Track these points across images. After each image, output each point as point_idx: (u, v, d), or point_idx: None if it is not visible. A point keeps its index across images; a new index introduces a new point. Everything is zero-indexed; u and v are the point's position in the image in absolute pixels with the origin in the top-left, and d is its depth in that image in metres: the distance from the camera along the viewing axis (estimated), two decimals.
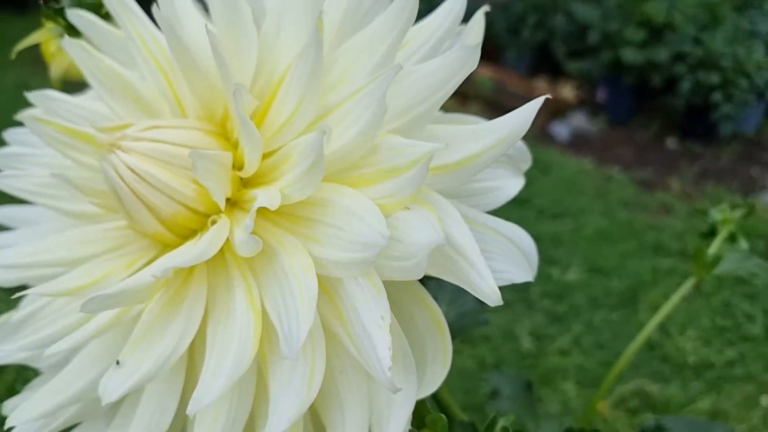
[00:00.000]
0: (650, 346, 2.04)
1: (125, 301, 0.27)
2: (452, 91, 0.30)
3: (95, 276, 0.30)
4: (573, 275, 2.29)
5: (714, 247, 0.59)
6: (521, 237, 0.33)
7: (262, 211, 0.29)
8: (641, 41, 3.08)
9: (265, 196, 0.27)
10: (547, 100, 0.29)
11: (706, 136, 3.14)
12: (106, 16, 0.39)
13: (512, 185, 0.35)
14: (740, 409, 1.85)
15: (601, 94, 3.34)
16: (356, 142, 0.28)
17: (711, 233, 0.62)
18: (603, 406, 2.00)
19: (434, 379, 0.30)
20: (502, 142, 0.29)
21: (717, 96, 3.00)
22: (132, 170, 0.30)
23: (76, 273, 0.31)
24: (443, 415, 0.31)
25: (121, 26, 0.35)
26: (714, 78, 2.98)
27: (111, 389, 0.26)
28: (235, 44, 0.31)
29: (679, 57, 3.07)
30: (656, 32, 3.10)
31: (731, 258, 0.59)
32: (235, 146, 0.32)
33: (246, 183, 0.31)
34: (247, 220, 0.26)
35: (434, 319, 0.31)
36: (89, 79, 0.35)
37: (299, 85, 0.29)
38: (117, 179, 0.30)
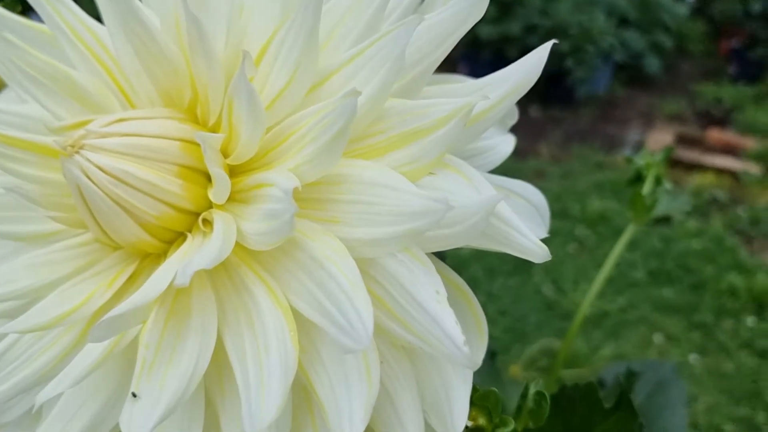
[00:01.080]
0: (548, 305, 2.12)
1: (136, 319, 0.23)
2: (453, 47, 0.28)
3: (76, 301, 0.26)
4: (466, 249, 2.34)
5: (646, 190, 0.61)
6: (533, 193, 0.31)
7: None
8: (495, 17, 3.19)
9: (283, 179, 0.24)
10: None
11: (564, 101, 3.32)
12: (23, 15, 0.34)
13: (506, 142, 0.33)
14: (637, 350, 1.98)
15: (462, 70, 3.43)
16: (367, 106, 0.26)
17: (637, 179, 0.63)
18: (516, 370, 2.07)
19: (477, 354, 0.28)
20: (511, 93, 0.28)
21: (569, 62, 3.17)
22: (105, 171, 0.26)
23: (52, 301, 0.26)
24: (494, 389, 0.29)
25: (46, 20, 0.30)
26: (564, 46, 3.14)
27: (138, 425, 0.22)
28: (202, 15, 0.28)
29: (530, 29, 3.22)
30: (507, 7, 3.23)
31: (662, 200, 0.61)
32: (213, 132, 0.28)
33: (234, 171, 0.28)
34: (278, 205, 0.23)
35: (458, 290, 0.29)
36: (15, 77, 0.30)
37: (294, 51, 0.26)
38: (88, 184, 0.25)
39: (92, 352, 0.25)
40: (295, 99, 0.27)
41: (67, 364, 0.26)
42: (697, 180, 2.77)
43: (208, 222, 0.27)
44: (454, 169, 0.26)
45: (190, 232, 0.27)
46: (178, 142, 0.27)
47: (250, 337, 0.24)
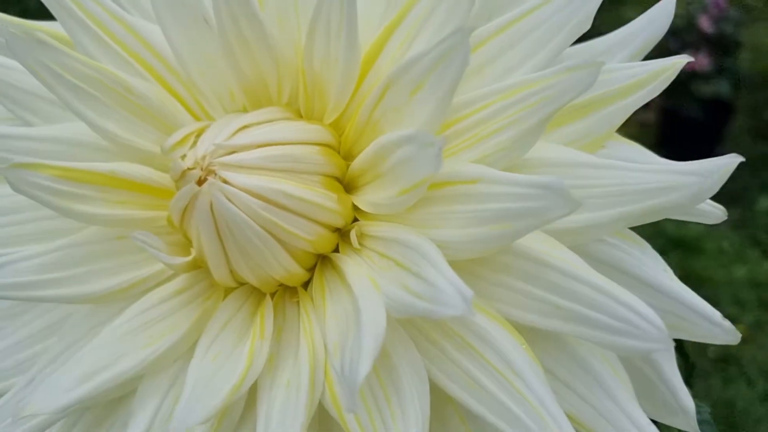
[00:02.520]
0: None
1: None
2: None
3: (239, 368, 0.20)
4: None
5: None
6: None
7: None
8: None
9: (495, 172, 0.20)
10: None
11: None
12: None
13: None
14: None
15: None
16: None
17: None
18: None
19: None
20: (639, 53, 0.26)
21: None
22: (254, 194, 0.20)
23: (205, 376, 0.20)
24: None
25: (80, 33, 0.23)
26: None
27: None
28: None
29: None
30: None
31: None
32: (337, 128, 0.23)
33: None
34: (498, 205, 0.19)
35: None
36: (53, 86, 0.22)
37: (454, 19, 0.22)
38: (236, 213, 0.20)
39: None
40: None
41: None
42: None
43: (365, 235, 0.22)
44: (624, 139, 0.24)
45: (333, 252, 0.23)
46: (316, 147, 0.22)
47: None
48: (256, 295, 0.23)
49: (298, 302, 0.23)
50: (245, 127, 0.21)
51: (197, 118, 0.24)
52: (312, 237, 0.21)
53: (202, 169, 0.20)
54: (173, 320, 0.22)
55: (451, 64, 0.19)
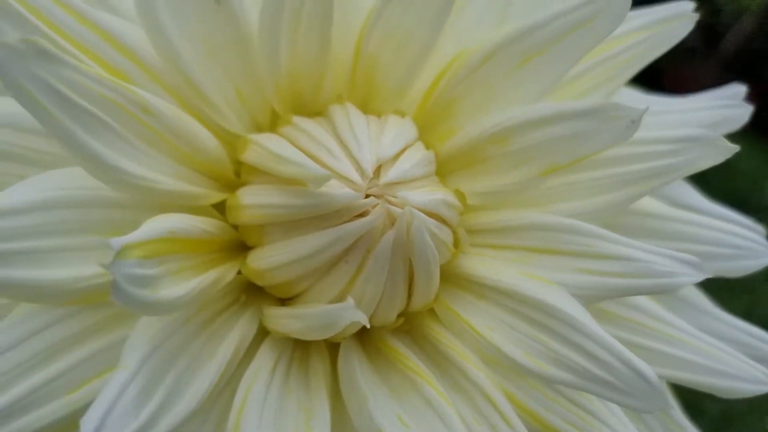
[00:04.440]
0: None
1: None
2: None
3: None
4: None
5: None
6: None
7: None
8: None
9: None
10: None
11: None
12: None
13: None
14: None
15: None
16: None
17: None
18: None
19: None
20: None
21: None
22: (429, 212, 0.16)
23: None
24: None
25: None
26: None
27: None
28: None
29: None
30: None
31: None
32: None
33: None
34: None
35: None
36: (62, 118, 0.14)
37: None
38: (427, 240, 0.16)
39: None
40: None
41: None
42: None
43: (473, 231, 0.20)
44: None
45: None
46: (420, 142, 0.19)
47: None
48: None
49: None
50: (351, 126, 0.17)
51: (220, 137, 0.18)
52: (450, 242, 0.18)
53: (377, 196, 0.15)
54: None
55: (592, 30, 0.18)
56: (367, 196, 0.16)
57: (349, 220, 0.16)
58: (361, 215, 0.15)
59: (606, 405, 0.19)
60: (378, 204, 0.15)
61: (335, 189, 0.15)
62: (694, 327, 0.21)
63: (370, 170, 0.16)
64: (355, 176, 0.16)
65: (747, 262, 0.21)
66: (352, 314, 0.15)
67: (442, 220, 0.17)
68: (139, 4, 0.17)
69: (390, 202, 0.16)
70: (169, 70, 0.18)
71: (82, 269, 0.16)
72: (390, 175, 0.16)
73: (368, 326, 0.17)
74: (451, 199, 0.18)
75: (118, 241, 0.14)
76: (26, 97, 0.14)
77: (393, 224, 0.16)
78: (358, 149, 0.16)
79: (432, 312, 0.20)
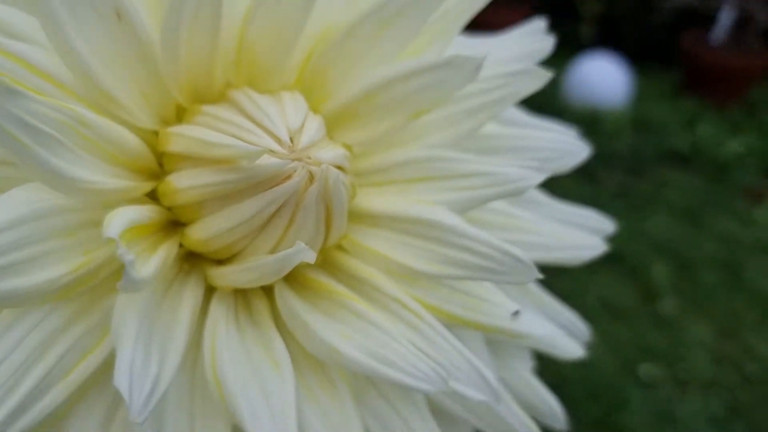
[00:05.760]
0: None
1: None
2: None
3: None
4: None
5: None
6: None
7: None
8: None
9: None
10: None
11: None
12: None
13: None
14: None
15: None
16: None
17: None
18: None
19: None
20: None
21: None
22: (337, 165, 0.20)
23: None
24: None
25: None
26: None
27: None
28: None
29: None
30: None
31: None
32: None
33: None
34: None
35: None
36: (26, 142, 0.16)
37: None
38: (341, 189, 0.20)
39: None
40: None
41: None
42: None
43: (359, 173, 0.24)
44: None
45: None
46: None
47: None
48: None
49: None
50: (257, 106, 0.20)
51: (139, 135, 0.21)
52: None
53: (297, 160, 0.19)
54: None
55: None
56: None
57: (278, 184, 0.19)
58: (287, 178, 0.19)
59: (482, 286, 0.24)
60: (299, 167, 0.19)
61: (263, 160, 0.19)
62: (539, 217, 0.27)
63: (287, 140, 0.19)
64: (277, 147, 0.19)
65: (571, 159, 0.27)
66: (305, 255, 0.19)
67: (344, 170, 0.21)
68: (49, 32, 0.19)
69: (308, 163, 0.19)
70: (81, 84, 0.20)
71: (54, 271, 0.18)
72: (303, 141, 0.20)
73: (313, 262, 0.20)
74: (346, 151, 0.22)
75: (114, 232, 0.16)
76: (3, 133, 0.16)
77: (312, 180, 0.20)
78: (272, 125, 0.20)
79: (340, 247, 0.24)
